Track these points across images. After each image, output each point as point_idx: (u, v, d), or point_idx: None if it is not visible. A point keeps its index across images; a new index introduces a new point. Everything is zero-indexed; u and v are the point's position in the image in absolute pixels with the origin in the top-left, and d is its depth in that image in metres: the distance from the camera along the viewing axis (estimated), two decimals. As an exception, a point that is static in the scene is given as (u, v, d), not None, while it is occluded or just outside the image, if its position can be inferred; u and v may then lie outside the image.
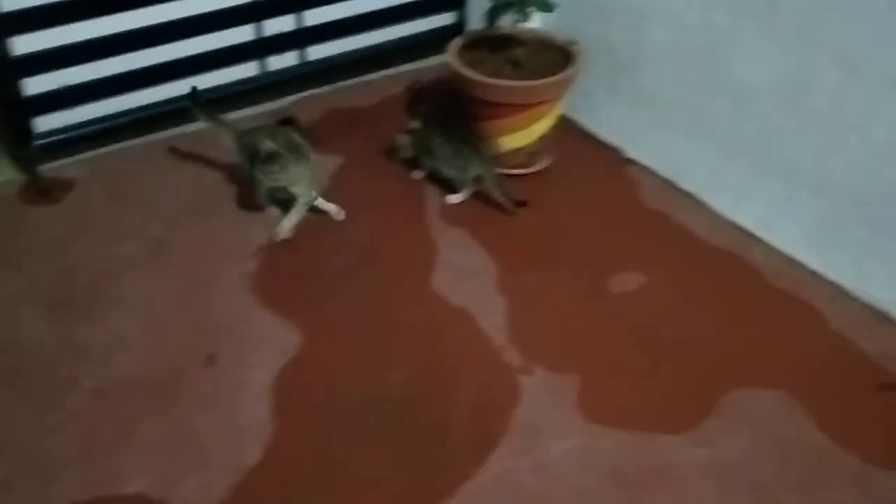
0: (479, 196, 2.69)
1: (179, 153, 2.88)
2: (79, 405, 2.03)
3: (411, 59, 3.42)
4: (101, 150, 2.88)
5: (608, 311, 2.34)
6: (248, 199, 2.65)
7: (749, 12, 2.39)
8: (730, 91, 2.52)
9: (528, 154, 2.81)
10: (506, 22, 2.70)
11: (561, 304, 2.36)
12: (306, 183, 2.53)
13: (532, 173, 2.84)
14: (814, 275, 2.44)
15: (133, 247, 2.49)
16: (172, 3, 2.79)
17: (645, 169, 2.87)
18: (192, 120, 2.71)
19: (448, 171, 2.66)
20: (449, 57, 2.74)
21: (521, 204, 2.58)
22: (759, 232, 2.57)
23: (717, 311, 2.34)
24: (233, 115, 3.06)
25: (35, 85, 2.69)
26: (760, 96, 2.44)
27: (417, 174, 2.78)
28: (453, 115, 2.79)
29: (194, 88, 2.67)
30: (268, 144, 2.49)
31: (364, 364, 2.16)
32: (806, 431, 2.00)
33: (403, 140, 2.78)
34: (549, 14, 2.67)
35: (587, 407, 2.06)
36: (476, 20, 3.27)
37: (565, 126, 2.92)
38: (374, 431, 1.99)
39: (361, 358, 2.18)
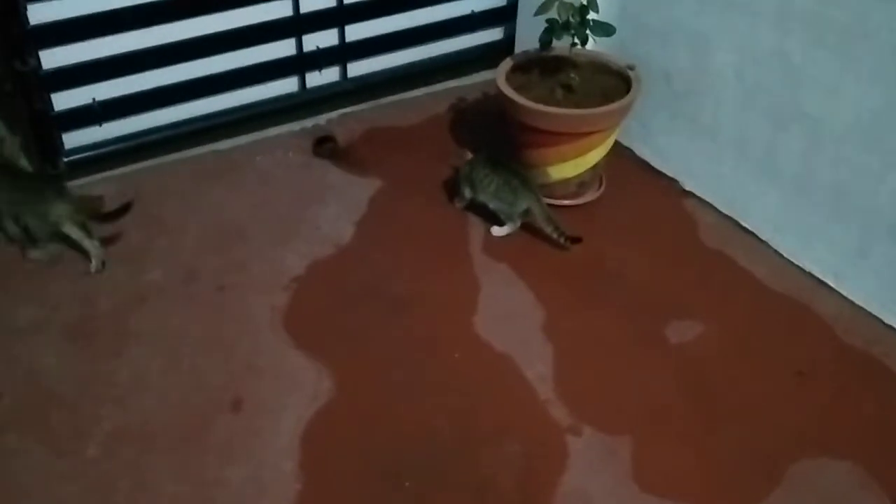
0: (526, 228, 2.53)
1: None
2: (96, 451, 1.90)
3: (456, 75, 3.27)
4: (131, 167, 2.76)
5: (664, 363, 2.16)
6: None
7: (826, 42, 2.20)
8: (801, 126, 2.33)
9: (578, 184, 2.65)
10: (561, 44, 2.53)
11: (612, 354, 2.19)
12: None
13: (582, 204, 2.67)
14: (889, 330, 2.25)
15: (160, 274, 2.37)
16: (207, 17, 2.67)
17: (703, 203, 2.69)
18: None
19: (495, 204, 2.50)
20: (497, 80, 2.57)
21: (575, 241, 2.42)
22: (828, 280, 2.38)
23: (781, 368, 2.16)
24: (272, 132, 2.96)
25: (64, 100, 2.58)
26: (836, 133, 2.25)
27: (459, 203, 2.62)
28: (501, 141, 2.64)
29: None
30: None
31: (400, 414, 2.01)
32: (881, 511, 1.82)
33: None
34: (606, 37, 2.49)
35: (641, 474, 1.89)
36: (525, 36, 3.12)
37: (618, 153, 2.74)
38: (410, 493, 1.84)
39: (397, 407, 2.03)
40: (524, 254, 2.49)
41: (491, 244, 2.52)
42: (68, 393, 2.04)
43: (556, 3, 2.35)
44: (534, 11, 2.42)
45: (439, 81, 3.25)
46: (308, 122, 3.04)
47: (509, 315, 2.29)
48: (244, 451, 1.91)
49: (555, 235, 2.42)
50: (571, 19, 2.37)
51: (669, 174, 2.79)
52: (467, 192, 2.56)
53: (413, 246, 2.52)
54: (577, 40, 2.46)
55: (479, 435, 1.97)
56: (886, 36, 2.06)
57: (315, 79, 3.00)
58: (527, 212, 2.46)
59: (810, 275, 2.41)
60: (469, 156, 2.60)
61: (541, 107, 2.45)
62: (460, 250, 2.51)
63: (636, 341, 2.22)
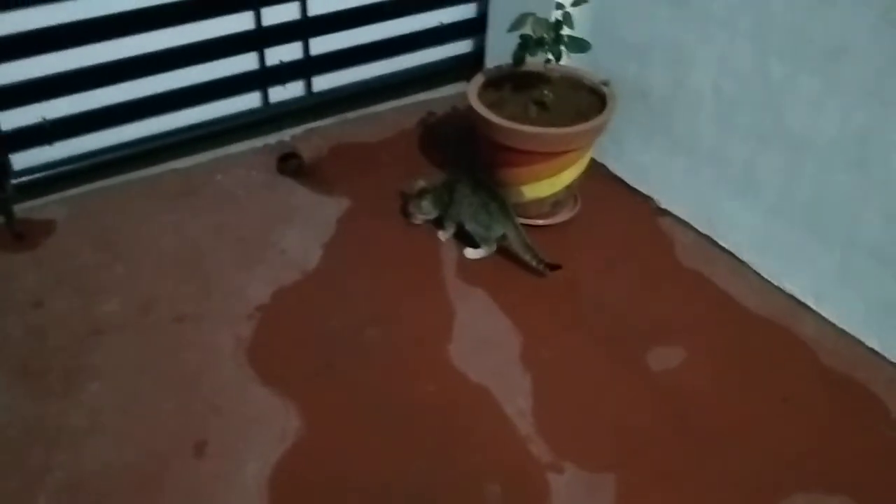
0: (501, 251, 2.44)
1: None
2: (47, 503, 1.77)
3: (424, 89, 3.18)
4: (85, 188, 2.63)
5: (646, 393, 2.09)
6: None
7: (808, 63, 2.14)
8: (781, 145, 2.27)
9: (552, 203, 2.57)
10: (534, 60, 2.45)
11: (593, 385, 2.11)
12: None
13: (557, 224, 2.59)
14: (872, 354, 2.20)
15: (116, 304, 2.24)
16: (165, 31, 2.54)
17: (679, 221, 2.63)
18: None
19: (471, 226, 2.40)
20: (469, 97, 2.48)
21: (554, 267, 2.33)
22: (810, 302, 2.32)
23: (766, 396, 2.09)
24: (234, 149, 2.84)
25: (13, 119, 2.43)
26: (818, 153, 2.19)
27: (443, 235, 2.51)
28: (472, 158, 2.55)
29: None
30: None
31: (373, 455, 1.91)
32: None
33: (420, 203, 2.48)
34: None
35: (626, 514, 1.81)
36: (495, 49, 3.04)
37: (592, 170, 2.66)
38: (385, 541, 1.75)
39: (370, 447, 1.92)
40: (499, 277, 2.40)
41: (465, 267, 2.43)
42: (16, 437, 1.90)
43: (531, 19, 2.26)
44: (505, 24, 2.33)
45: (407, 95, 3.16)
46: (272, 139, 2.93)
47: (486, 343, 2.20)
48: (207, 499, 1.79)
49: (533, 263, 2.33)
50: (546, 35, 2.29)
51: (645, 192, 2.73)
52: (451, 218, 2.46)
53: (384, 270, 2.42)
54: (551, 56, 2.38)
55: (457, 475, 1.87)
56: (870, 53, 2.00)
57: (278, 94, 2.88)
58: (503, 237, 2.37)
59: (790, 296, 2.36)
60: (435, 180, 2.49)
61: (516, 125, 2.36)
62: (433, 274, 2.41)
63: (617, 370, 2.14)
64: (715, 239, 2.54)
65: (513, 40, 2.42)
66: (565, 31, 2.33)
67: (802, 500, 1.85)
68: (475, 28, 3.15)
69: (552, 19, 2.31)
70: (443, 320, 2.26)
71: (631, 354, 2.19)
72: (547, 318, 2.30)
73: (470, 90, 2.52)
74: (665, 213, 2.67)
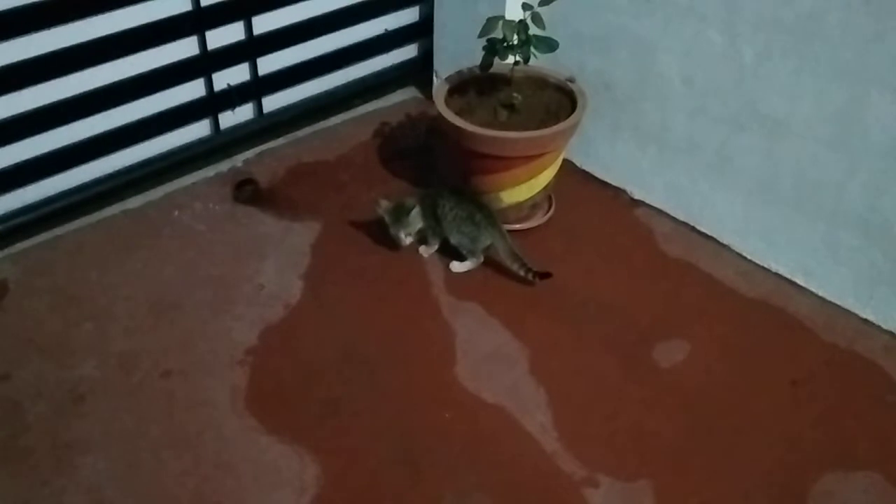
0: (486, 260, 2.37)
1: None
2: None
3: (375, 97, 3.10)
4: (34, 241, 2.43)
5: (660, 392, 2.06)
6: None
7: (779, 43, 2.15)
8: (758, 126, 2.28)
9: (530, 206, 2.52)
10: (499, 62, 2.38)
11: (608, 391, 2.07)
12: None
13: (535, 227, 2.54)
14: (866, 325, 2.23)
15: (94, 365, 2.08)
16: (103, 67, 2.36)
17: (655, 211, 2.62)
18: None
19: (457, 239, 2.33)
20: (438, 107, 2.41)
21: (544, 276, 2.27)
22: (799, 279, 2.35)
23: (775, 381, 2.10)
24: (186, 181, 2.69)
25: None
26: (796, 133, 2.20)
27: (426, 251, 2.43)
28: (446, 170, 2.46)
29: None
30: None
31: (401, 492, 1.82)
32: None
33: (405, 220, 2.34)
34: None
35: (668, 520, 1.78)
36: (443, 51, 2.97)
37: (560, 168, 2.62)
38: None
39: (396, 487, 1.83)
40: (490, 288, 2.34)
41: (454, 282, 2.36)
42: (11, 529, 1.74)
43: (501, 23, 2.20)
44: (451, 26, 2.27)
45: (357, 106, 3.06)
46: (223, 166, 2.78)
47: (491, 360, 2.14)
48: (237, 568, 1.68)
49: (522, 272, 2.27)
50: (517, 37, 2.23)
51: (615, 184, 2.71)
52: (436, 234, 2.38)
53: (372, 294, 2.33)
54: (520, 58, 2.32)
55: (491, 502, 1.80)
56: (843, 31, 2.02)
57: (229, 119, 2.74)
58: (490, 247, 2.31)
59: (778, 275, 2.38)
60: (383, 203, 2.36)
61: (494, 132, 2.30)
62: (423, 293, 2.33)
63: (628, 372, 2.11)
64: (694, 225, 2.55)
65: (461, 41, 2.35)
66: (533, 31, 2.28)
67: (832, 480, 1.86)
68: (420, 32, 3.08)
69: (513, 20, 2.25)
70: (443, 341, 2.18)
71: (637, 354, 2.16)
72: (547, 326, 2.25)
73: (437, 100, 2.44)
74: (639, 203, 2.65)
